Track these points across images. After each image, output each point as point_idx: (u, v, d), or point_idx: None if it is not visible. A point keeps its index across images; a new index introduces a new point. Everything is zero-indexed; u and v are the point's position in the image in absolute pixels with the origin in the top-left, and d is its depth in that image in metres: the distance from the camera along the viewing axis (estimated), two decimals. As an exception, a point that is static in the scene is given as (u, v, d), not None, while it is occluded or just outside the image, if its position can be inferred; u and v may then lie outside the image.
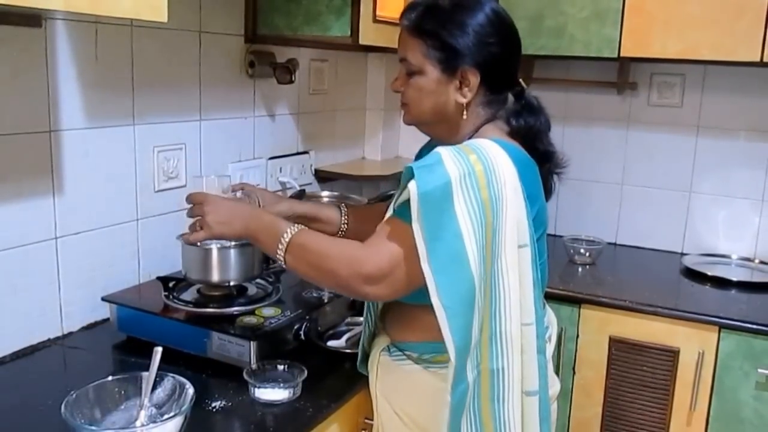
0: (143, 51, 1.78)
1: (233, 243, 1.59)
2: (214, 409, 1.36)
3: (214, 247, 1.61)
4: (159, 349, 1.24)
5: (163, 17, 1.24)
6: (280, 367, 1.47)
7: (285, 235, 1.31)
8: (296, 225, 1.34)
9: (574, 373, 2.27)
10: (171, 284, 1.71)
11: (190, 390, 1.20)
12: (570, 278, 2.39)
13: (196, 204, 1.41)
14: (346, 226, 1.67)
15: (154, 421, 1.18)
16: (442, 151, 1.25)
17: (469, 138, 1.37)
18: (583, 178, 2.78)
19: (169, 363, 1.27)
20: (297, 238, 1.31)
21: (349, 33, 1.97)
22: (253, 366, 1.46)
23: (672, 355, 2.13)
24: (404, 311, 1.42)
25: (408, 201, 1.22)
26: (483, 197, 1.21)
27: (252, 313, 1.60)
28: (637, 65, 2.67)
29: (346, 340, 1.69)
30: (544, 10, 2.46)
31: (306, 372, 1.45)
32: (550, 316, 1.55)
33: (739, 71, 2.54)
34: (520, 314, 1.27)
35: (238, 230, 1.38)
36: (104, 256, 1.75)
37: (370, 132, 2.94)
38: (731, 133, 2.61)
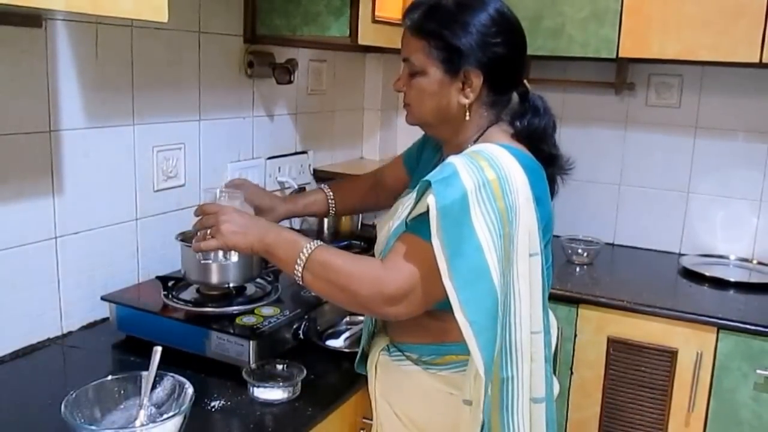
0: (143, 51, 1.79)
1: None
2: (213, 409, 1.36)
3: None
4: (158, 349, 1.24)
5: (164, 17, 1.24)
6: (279, 367, 1.48)
7: (305, 250, 1.27)
8: (315, 241, 1.30)
9: (572, 373, 2.27)
10: (170, 284, 1.72)
11: (190, 389, 1.20)
12: (568, 278, 2.39)
13: (210, 214, 1.36)
14: (333, 205, 1.79)
15: (154, 421, 1.18)
16: (456, 161, 1.23)
17: (475, 140, 1.36)
18: (580, 179, 2.76)
19: (169, 362, 1.27)
20: (317, 255, 1.27)
21: (348, 33, 1.98)
22: (252, 365, 1.46)
23: (670, 355, 2.13)
24: None
25: (422, 215, 1.21)
26: (500, 207, 1.20)
27: (251, 312, 1.60)
28: (635, 66, 2.67)
29: (345, 340, 1.70)
30: (543, 10, 2.46)
31: (305, 371, 1.45)
32: (551, 319, 1.55)
33: (737, 72, 2.55)
34: (530, 323, 1.27)
35: (252, 241, 1.32)
36: (104, 256, 1.75)
37: (368, 132, 2.94)
38: (729, 134, 2.61)
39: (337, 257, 1.28)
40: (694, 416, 2.13)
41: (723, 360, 2.07)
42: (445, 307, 1.19)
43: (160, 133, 1.87)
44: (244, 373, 1.42)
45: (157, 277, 1.75)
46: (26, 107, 1.52)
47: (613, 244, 2.81)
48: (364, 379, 1.52)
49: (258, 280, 1.77)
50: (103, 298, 1.68)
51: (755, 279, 2.44)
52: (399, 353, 1.42)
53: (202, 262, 1.54)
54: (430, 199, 1.18)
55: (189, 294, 1.70)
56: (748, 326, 2.02)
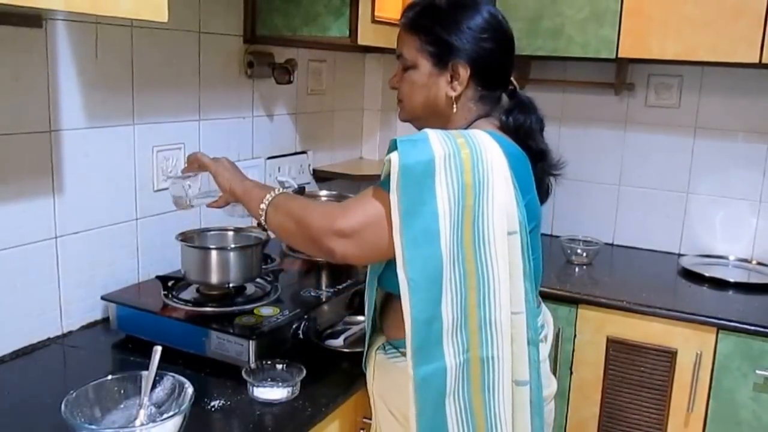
0: (143, 51, 1.79)
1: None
2: (213, 409, 1.36)
3: (214, 250, 1.62)
4: (158, 348, 1.24)
5: (164, 17, 1.24)
6: (279, 367, 1.48)
7: (276, 192, 1.41)
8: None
9: (571, 373, 2.27)
10: (170, 283, 1.72)
11: (190, 389, 1.20)
12: (567, 278, 2.39)
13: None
14: None
15: (154, 420, 1.19)
16: (429, 131, 1.27)
17: None
18: (580, 179, 2.79)
19: (169, 362, 1.27)
20: (284, 195, 1.41)
21: (348, 33, 1.98)
22: (252, 365, 1.46)
23: (669, 355, 2.13)
24: (399, 308, 1.42)
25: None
26: (466, 180, 1.22)
27: (250, 312, 1.60)
28: (634, 66, 2.68)
29: (344, 340, 1.70)
30: (542, 11, 2.46)
31: (304, 371, 1.45)
32: (546, 315, 1.55)
33: (737, 72, 2.55)
34: (509, 302, 1.27)
35: (232, 179, 1.49)
36: (104, 256, 1.76)
37: (368, 132, 2.94)
38: (729, 135, 2.61)
39: (301, 198, 1.45)
40: (694, 416, 2.13)
41: (722, 360, 2.07)
42: None
43: (160, 133, 1.87)
44: (243, 373, 1.42)
45: (157, 277, 1.75)
46: (26, 107, 1.53)
47: (612, 245, 2.81)
48: (363, 378, 1.52)
49: (258, 280, 1.77)
50: (103, 298, 1.68)
51: (755, 279, 2.45)
52: (394, 350, 1.43)
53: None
54: (393, 156, 1.22)
55: (189, 294, 1.70)
56: (747, 326, 2.03)
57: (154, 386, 1.23)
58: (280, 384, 1.42)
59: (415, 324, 1.23)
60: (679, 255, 2.68)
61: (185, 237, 1.71)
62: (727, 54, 2.25)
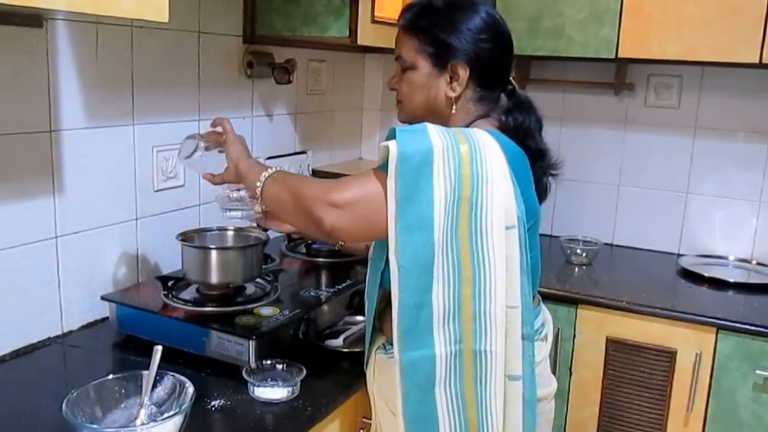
0: (143, 51, 1.79)
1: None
2: (214, 408, 1.36)
3: (214, 249, 1.61)
4: (159, 348, 1.24)
5: (164, 17, 1.25)
6: (279, 366, 1.48)
7: (277, 167, 1.42)
8: None
9: (571, 373, 2.28)
10: (170, 283, 1.72)
11: (190, 389, 1.20)
12: (567, 279, 2.39)
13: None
14: None
15: (154, 420, 1.19)
16: (428, 124, 1.28)
17: None
18: (580, 179, 2.79)
19: (169, 362, 1.27)
20: (282, 171, 1.42)
21: (348, 33, 1.98)
22: (252, 365, 1.46)
23: (669, 356, 2.13)
24: None
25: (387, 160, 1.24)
26: (463, 172, 1.22)
27: (250, 312, 1.60)
28: (634, 66, 2.68)
29: (344, 339, 1.70)
30: (543, 11, 2.46)
31: (304, 371, 1.45)
32: (545, 314, 1.55)
33: (737, 72, 2.55)
34: (505, 296, 1.27)
35: (240, 154, 1.46)
36: (104, 256, 1.76)
37: (367, 132, 2.95)
38: (729, 135, 2.62)
39: (302, 175, 1.46)
40: (693, 416, 2.14)
41: (722, 360, 2.08)
42: None
43: (159, 133, 1.88)
44: (244, 373, 1.43)
45: (157, 277, 1.75)
46: (27, 107, 1.53)
47: (612, 245, 2.82)
48: (363, 378, 1.52)
49: (258, 280, 1.77)
50: (103, 298, 1.68)
51: (754, 279, 2.45)
52: (393, 349, 1.42)
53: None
54: (391, 143, 1.22)
55: (189, 294, 1.70)
56: (747, 327, 2.03)
57: (154, 386, 1.23)
58: (280, 384, 1.42)
59: (403, 308, 1.23)
60: (679, 255, 2.68)
61: (185, 237, 1.71)
62: (727, 54, 2.25)
